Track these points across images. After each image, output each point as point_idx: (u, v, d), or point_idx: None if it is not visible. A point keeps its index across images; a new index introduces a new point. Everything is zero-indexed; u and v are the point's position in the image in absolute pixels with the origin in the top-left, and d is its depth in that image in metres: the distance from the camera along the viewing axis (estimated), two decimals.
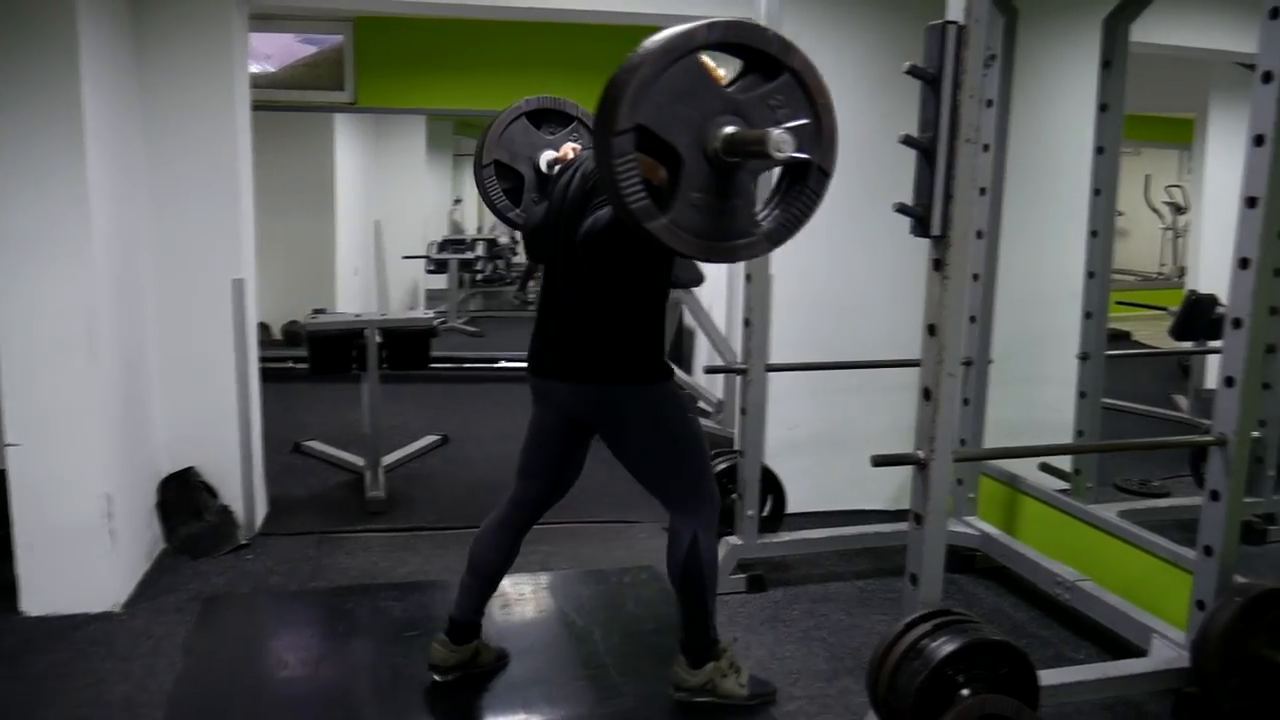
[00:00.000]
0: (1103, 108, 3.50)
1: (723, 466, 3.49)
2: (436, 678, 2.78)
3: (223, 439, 3.77)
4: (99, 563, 3.17)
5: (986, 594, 3.48)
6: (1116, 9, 3.44)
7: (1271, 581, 2.55)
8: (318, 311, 4.43)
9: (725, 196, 1.86)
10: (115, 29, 3.28)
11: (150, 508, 3.61)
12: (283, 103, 6.06)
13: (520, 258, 14.59)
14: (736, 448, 3.52)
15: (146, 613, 3.18)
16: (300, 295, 7.05)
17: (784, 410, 4.03)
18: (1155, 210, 11.74)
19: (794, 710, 2.69)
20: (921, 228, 2.16)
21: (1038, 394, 4.12)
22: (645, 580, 3.54)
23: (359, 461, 4.59)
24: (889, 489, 4.11)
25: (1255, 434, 2.55)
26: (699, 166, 1.82)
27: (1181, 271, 10.56)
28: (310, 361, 4.28)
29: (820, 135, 1.89)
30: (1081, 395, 3.66)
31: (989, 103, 3.45)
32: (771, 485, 3.67)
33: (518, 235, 15.23)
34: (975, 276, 3.50)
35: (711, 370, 4.00)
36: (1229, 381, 2.44)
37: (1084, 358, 3.64)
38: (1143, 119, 8.82)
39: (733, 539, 3.40)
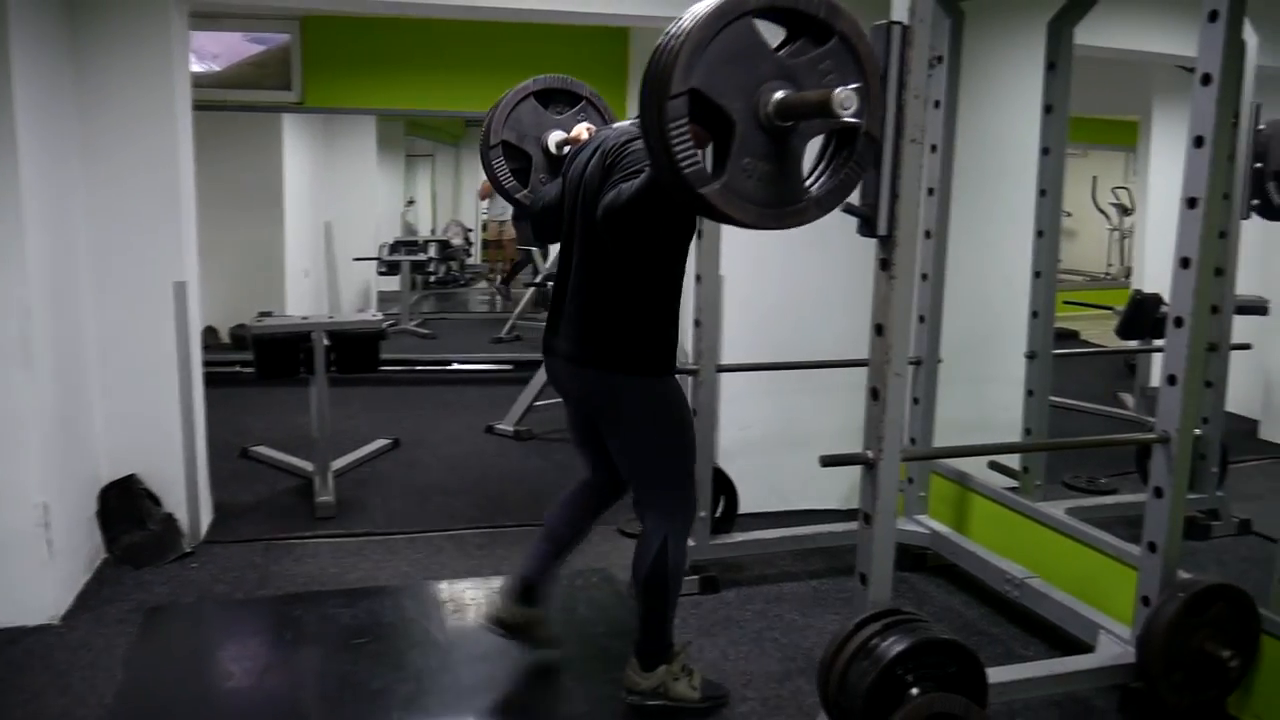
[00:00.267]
0: (1048, 109, 3.53)
1: None
2: (500, 633, 2.77)
3: (166, 445, 3.69)
4: (35, 574, 3.08)
5: (938, 592, 3.50)
6: (1060, 12, 3.48)
7: (1214, 577, 2.59)
8: (264, 314, 4.35)
9: (776, 162, 1.86)
10: (49, 26, 3.19)
11: (90, 516, 3.52)
12: (228, 103, 5.96)
13: (474, 259, 14.53)
14: None
15: (86, 624, 3.10)
16: (249, 298, 6.92)
17: (736, 411, 4.04)
18: (1102, 211, 11.93)
19: (746, 712, 2.68)
20: (868, 227, 2.16)
21: (987, 393, 4.15)
22: (597, 584, 3.52)
23: (308, 466, 4.51)
24: (842, 488, 4.13)
25: (1197, 432, 2.58)
26: (751, 131, 1.82)
27: (1128, 271, 10.75)
28: (257, 365, 4.21)
29: (869, 100, 1.88)
30: (1029, 394, 3.69)
31: (936, 103, 3.47)
32: (724, 486, 3.66)
33: (472, 237, 15.27)
34: (924, 276, 3.53)
35: None
36: (1171, 380, 2.47)
37: (1031, 357, 3.68)
38: (1090, 121, 8.95)
39: None
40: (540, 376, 5.59)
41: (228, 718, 2.67)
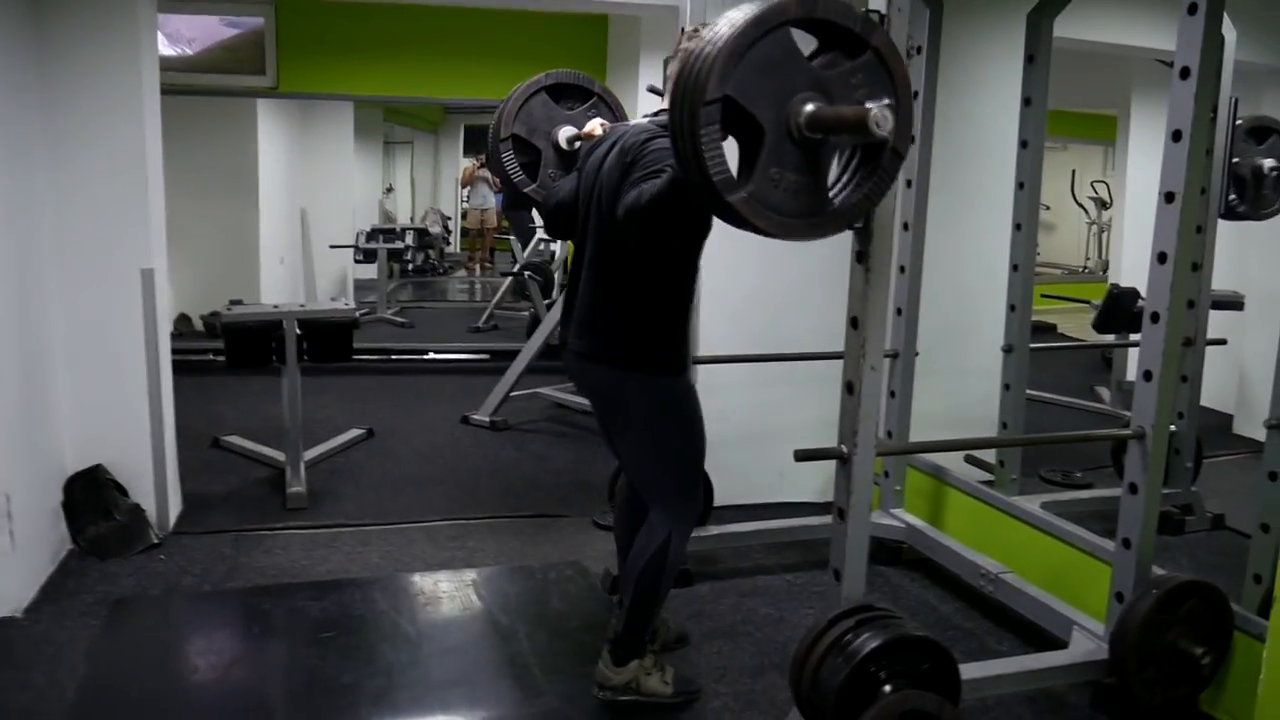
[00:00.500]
0: (1027, 102, 3.52)
1: None
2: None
3: (133, 435, 3.63)
4: None
5: (913, 586, 3.49)
6: (1040, 4, 3.46)
7: (1188, 574, 2.58)
8: (235, 303, 4.28)
9: (802, 173, 1.85)
10: (8, 7, 3.11)
11: (55, 507, 3.46)
12: (199, 87, 5.86)
13: (454, 248, 14.46)
14: None
15: (49, 618, 3.04)
16: (223, 285, 6.83)
17: (712, 403, 3.94)
18: (1081, 205, 11.97)
19: (719, 707, 2.66)
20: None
21: (965, 385, 4.14)
22: (572, 577, 3.49)
23: (280, 456, 4.46)
24: (818, 481, 4.11)
25: (1173, 428, 2.57)
26: (780, 141, 1.82)
27: (1106, 265, 10.79)
28: (227, 354, 4.14)
29: (899, 116, 1.87)
30: (1005, 387, 3.69)
31: (914, 94, 3.44)
32: None
33: (451, 225, 15.22)
34: (902, 269, 3.51)
35: None
36: (1147, 376, 2.45)
37: (1008, 350, 3.67)
38: (1070, 115, 8.96)
39: None
40: (517, 366, 5.56)
41: (192, 713, 2.63)
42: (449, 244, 14.25)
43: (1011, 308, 3.65)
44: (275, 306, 4.34)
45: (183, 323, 7.55)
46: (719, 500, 3.66)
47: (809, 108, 1.80)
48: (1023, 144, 3.54)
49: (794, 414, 4.08)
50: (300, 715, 2.62)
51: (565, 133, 2.82)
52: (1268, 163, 3.88)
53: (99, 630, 2.98)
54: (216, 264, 7.45)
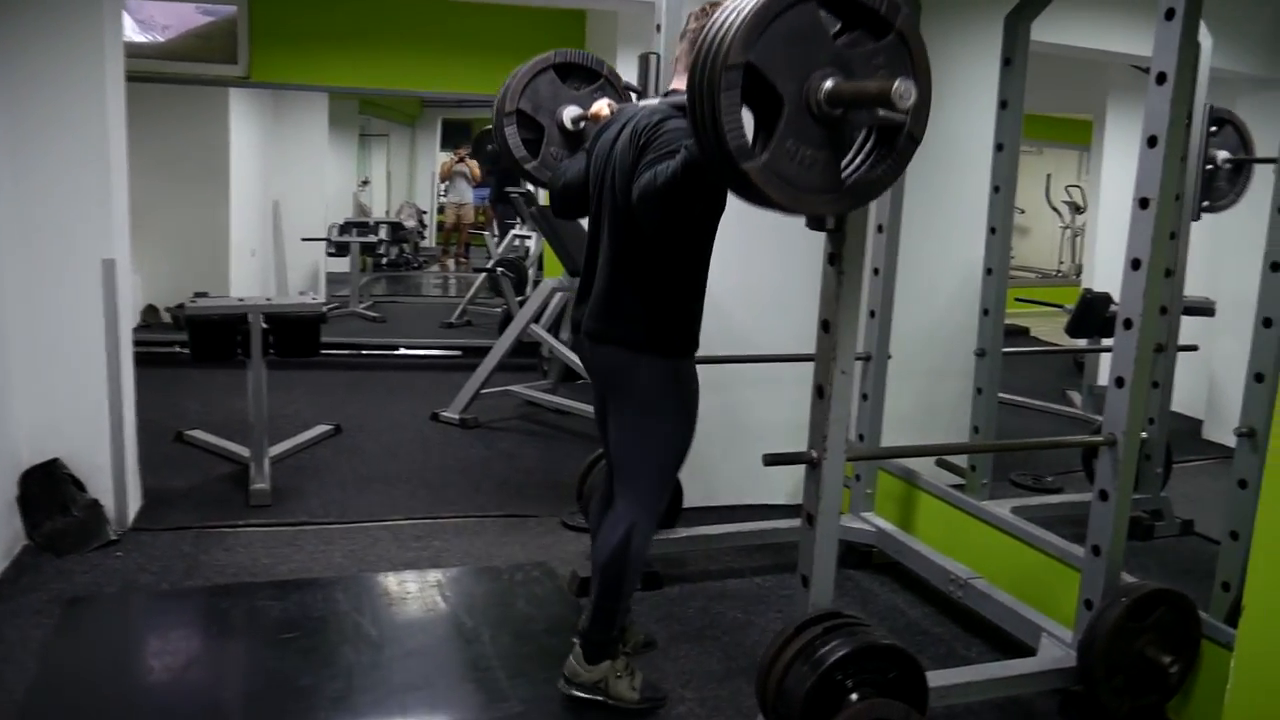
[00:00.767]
0: (1003, 105, 3.51)
1: None
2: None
3: (92, 428, 3.56)
4: None
5: (882, 590, 3.47)
6: (1017, 7, 3.45)
7: (1157, 581, 2.57)
8: (200, 295, 4.21)
9: (818, 148, 1.83)
10: None
11: (10, 501, 3.38)
12: (169, 75, 5.77)
13: (428, 242, 14.36)
14: None
15: (1, 615, 2.96)
16: (192, 276, 6.72)
17: None
18: (1055, 209, 12.03)
19: (684, 713, 2.62)
20: (817, 221, 2.10)
21: (938, 389, 4.13)
22: (538, 578, 3.44)
23: (244, 452, 4.38)
24: (789, 483, 4.08)
25: (1143, 435, 2.56)
26: (799, 114, 1.79)
27: (1080, 269, 10.84)
28: (191, 348, 4.07)
29: (918, 98, 1.84)
30: (978, 391, 3.67)
31: None
32: None
33: (426, 219, 15.13)
34: (876, 271, 3.48)
35: None
36: (1119, 382, 2.44)
37: (981, 354, 3.66)
38: (1045, 119, 9.01)
39: None
40: (489, 363, 5.50)
41: (145, 716, 2.57)
42: (424, 238, 14.15)
43: (985, 311, 3.64)
44: (240, 299, 4.27)
45: (150, 314, 7.45)
46: (689, 502, 3.63)
47: (829, 83, 1.78)
48: (998, 147, 3.53)
49: (765, 416, 4.05)
50: (257, 718, 2.56)
51: (570, 112, 2.80)
52: (1221, 154, 3.89)
53: (52, 629, 2.91)
54: (186, 255, 7.35)
